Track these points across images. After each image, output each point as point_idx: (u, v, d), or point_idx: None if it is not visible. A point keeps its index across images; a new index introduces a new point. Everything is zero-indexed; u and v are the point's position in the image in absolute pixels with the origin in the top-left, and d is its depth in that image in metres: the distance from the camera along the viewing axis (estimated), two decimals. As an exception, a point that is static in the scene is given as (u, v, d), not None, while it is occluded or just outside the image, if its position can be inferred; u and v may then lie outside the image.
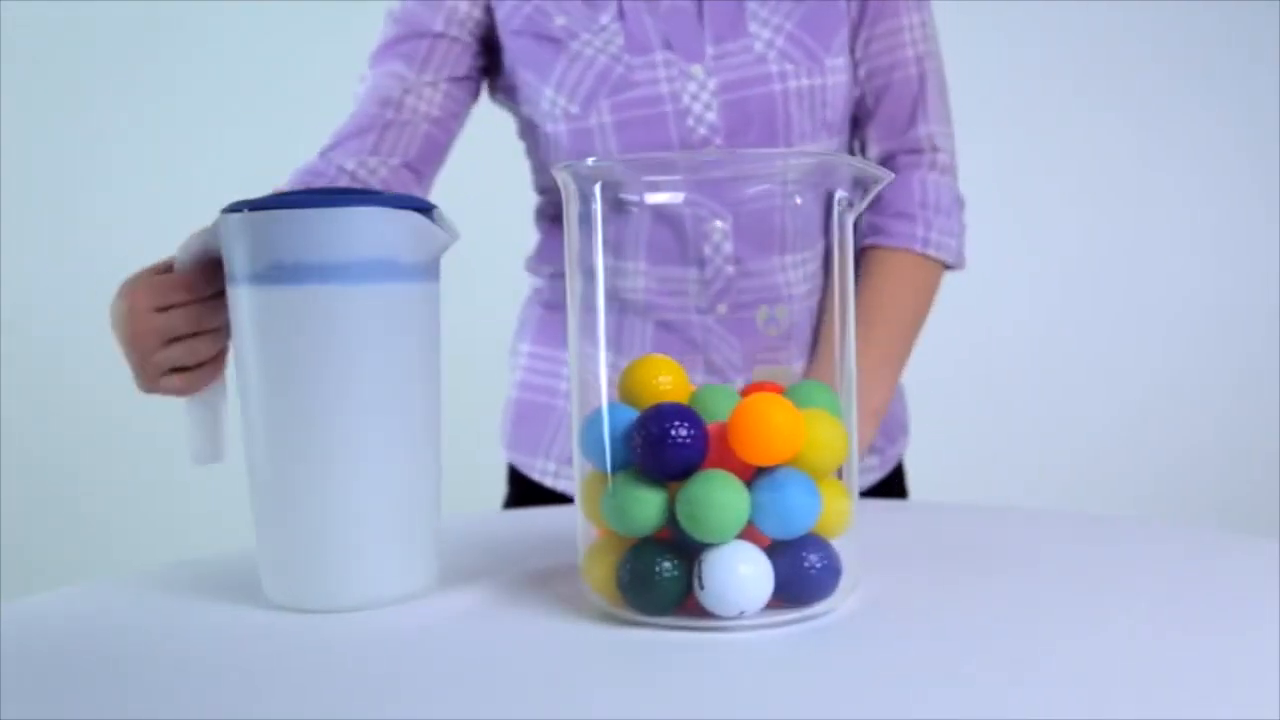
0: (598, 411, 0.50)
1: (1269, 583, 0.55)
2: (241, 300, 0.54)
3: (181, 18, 1.91)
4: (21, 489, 1.95)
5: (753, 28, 0.86)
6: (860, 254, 0.92)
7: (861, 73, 0.91)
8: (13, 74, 1.91)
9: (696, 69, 0.84)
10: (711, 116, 0.84)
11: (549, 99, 0.86)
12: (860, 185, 0.52)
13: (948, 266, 0.92)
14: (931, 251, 0.90)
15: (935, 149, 0.92)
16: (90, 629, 0.53)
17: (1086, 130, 2.21)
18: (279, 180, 0.87)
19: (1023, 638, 0.47)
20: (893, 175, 0.54)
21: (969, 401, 2.04)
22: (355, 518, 0.54)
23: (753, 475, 0.48)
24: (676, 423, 0.47)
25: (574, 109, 0.85)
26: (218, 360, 0.63)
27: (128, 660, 0.48)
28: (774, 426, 0.47)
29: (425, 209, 0.55)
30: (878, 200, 0.91)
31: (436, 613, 0.53)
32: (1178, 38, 2.24)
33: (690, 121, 0.84)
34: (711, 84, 0.84)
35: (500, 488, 1.04)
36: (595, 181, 0.51)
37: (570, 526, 0.55)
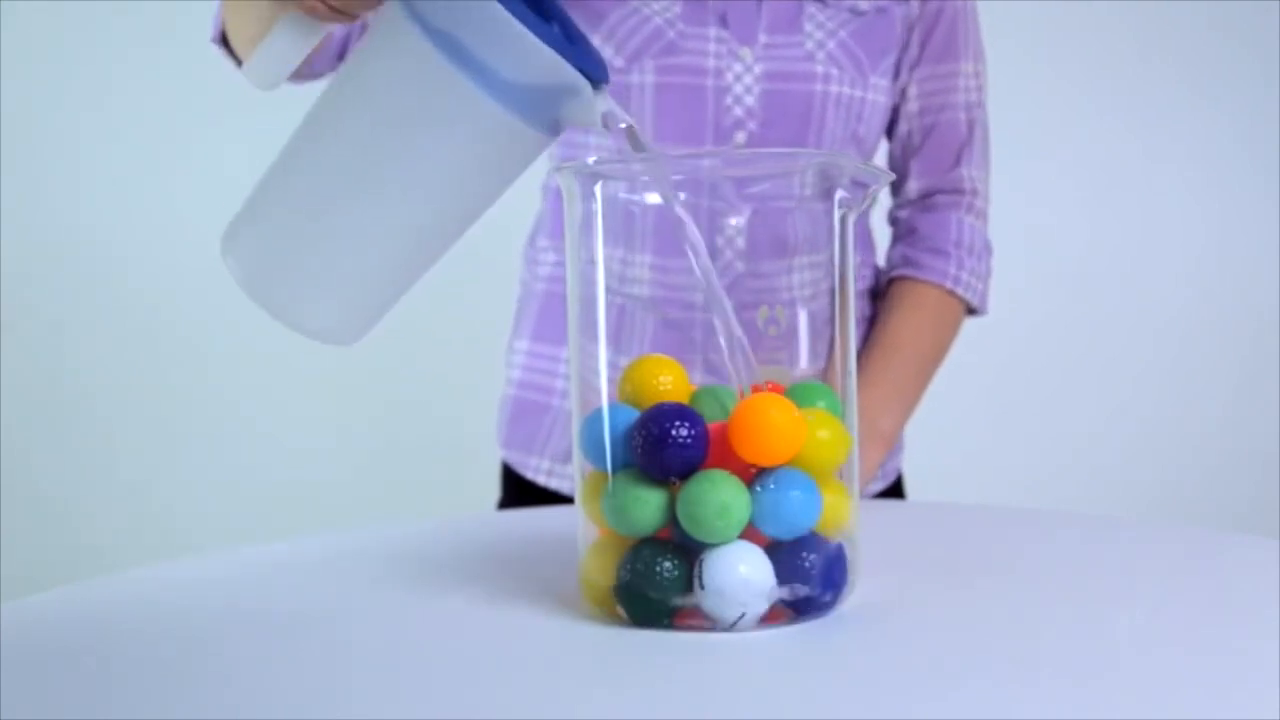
0: (598, 411, 0.50)
1: (1269, 583, 0.55)
2: (391, 21, 0.52)
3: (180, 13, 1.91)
4: (21, 488, 1.95)
5: (808, 27, 0.87)
6: (889, 283, 0.94)
7: (913, 108, 0.93)
8: (13, 69, 1.91)
9: (745, 52, 0.86)
10: (750, 100, 0.85)
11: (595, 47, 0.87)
12: (860, 186, 0.52)
13: (971, 310, 0.94)
14: (960, 290, 0.92)
15: (975, 193, 0.94)
16: (90, 629, 0.53)
17: (1086, 129, 2.21)
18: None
19: (1023, 638, 0.47)
20: (893, 175, 0.54)
21: (968, 401, 2.03)
22: (337, 251, 0.54)
23: (753, 475, 0.48)
24: (677, 423, 0.47)
25: (619, 62, 0.86)
26: (340, 20, 0.59)
27: (128, 660, 0.48)
28: (775, 427, 0.47)
29: (597, 77, 0.52)
30: (913, 233, 0.93)
31: (434, 613, 0.53)
32: (1178, 37, 2.23)
33: (728, 100, 0.85)
34: (757, 69, 0.86)
35: (494, 486, 1.04)
36: (596, 181, 0.51)
37: (567, 526, 0.55)
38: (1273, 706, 0.38)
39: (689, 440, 0.47)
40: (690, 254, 0.51)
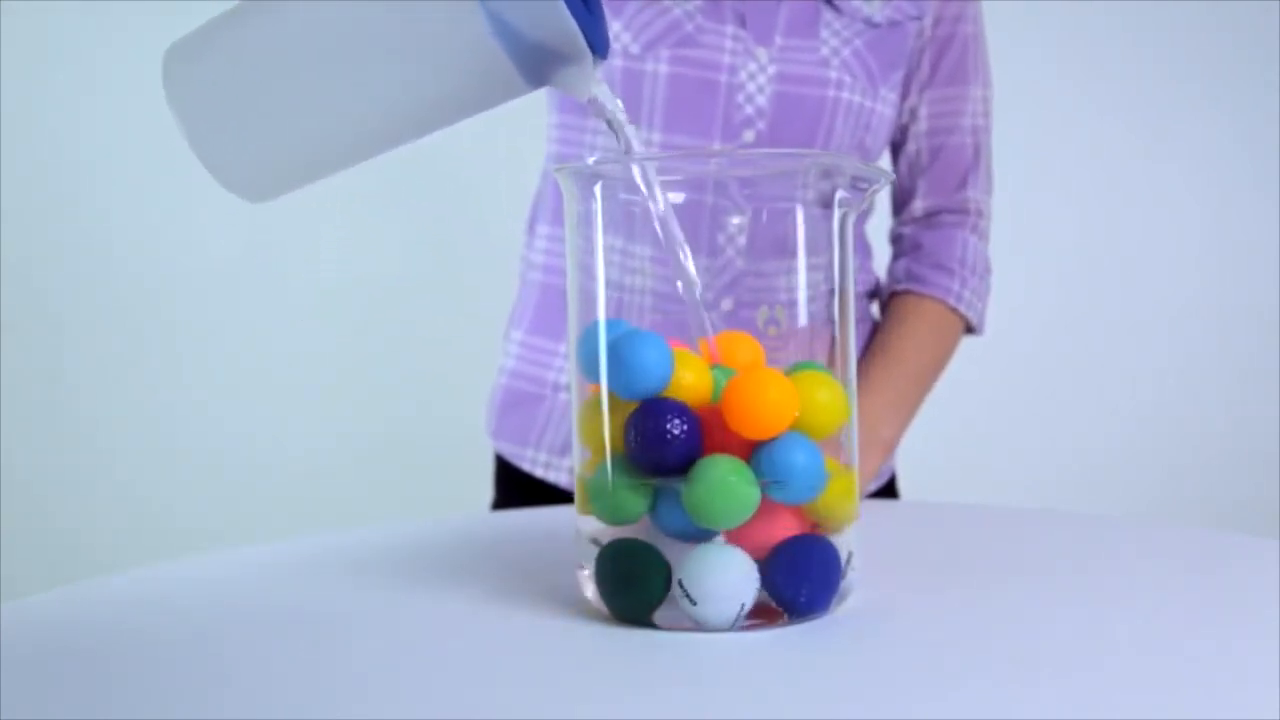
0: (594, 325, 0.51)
1: (1269, 583, 0.55)
2: None
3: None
4: (21, 487, 1.95)
5: (824, 34, 0.88)
6: (891, 296, 0.95)
7: (922, 128, 0.95)
8: (13, 68, 1.91)
9: (761, 52, 0.87)
10: (762, 100, 0.86)
11: (613, 33, 0.88)
12: (860, 188, 0.52)
13: (969, 329, 0.95)
14: (962, 308, 0.93)
15: (979, 213, 0.96)
16: (90, 629, 0.53)
17: (1085, 129, 2.21)
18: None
19: (1022, 638, 0.47)
20: (894, 176, 0.54)
21: (966, 400, 2.04)
22: (287, 116, 0.53)
23: (751, 450, 0.48)
24: (670, 418, 0.47)
25: (634, 49, 0.87)
26: None
27: (128, 660, 0.48)
28: (768, 400, 0.47)
29: (600, 51, 0.51)
30: (918, 249, 0.95)
31: (434, 614, 0.53)
32: (1178, 37, 2.23)
33: (740, 98, 0.86)
34: (771, 70, 0.87)
35: (484, 482, 1.03)
36: (595, 182, 0.51)
37: (566, 526, 0.55)
38: (1273, 706, 0.38)
39: (683, 435, 0.47)
40: (658, 226, 0.51)
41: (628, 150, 0.50)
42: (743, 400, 0.47)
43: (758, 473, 0.48)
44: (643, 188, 0.50)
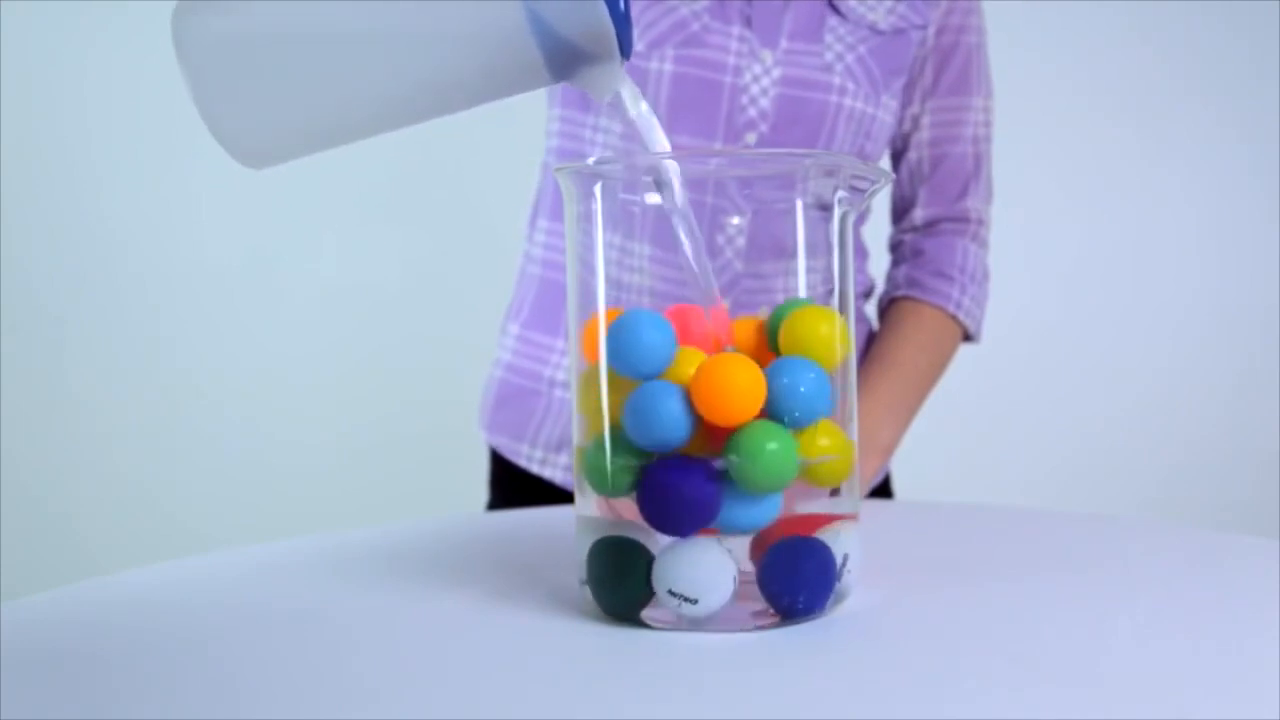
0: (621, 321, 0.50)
1: (1269, 583, 0.55)
2: None
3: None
4: (21, 486, 1.95)
5: (828, 39, 0.89)
6: (891, 302, 0.96)
7: (925, 137, 0.95)
8: (13, 67, 1.91)
9: (766, 54, 0.87)
10: (765, 103, 0.86)
11: None
12: (859, 188, 0.52)
13: (967, 337, 0.95)
14: (961, 316, 0.94)
15: (980, 222, 0.96)
16: (90, 629, 0.53)
17: (1086, 130, 2.21)
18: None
19: (1022, 638, 0.47)
20: (894, 176, 0.54)
21: (966, 401, 2.04)
22: (303, 84, 0.52)
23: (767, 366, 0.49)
24: (687, 477, 0.47)
25: (640, 47, 0.87)
26: None
27: (128, 660, 0.48)
28: (738, 387, 0.47)
29: (627, 47, 0.51)
30: (919, 255, 0.95)
31: (434, 614, 0.53)
32: (1178, 38, 2.24)
33: (744, 100, 0.86)
34: (775, 73, 0.87)
35: (483, 481, 1.03)
36: (595, 182, 0.51)
37: (567, 525, 0.55)
38: (1273, 706, 0.38)
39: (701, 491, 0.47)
40: (675, 219, 0.51)
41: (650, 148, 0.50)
42: (709, 387, 0.47)
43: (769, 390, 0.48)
44: (655, 186, 0.50)
